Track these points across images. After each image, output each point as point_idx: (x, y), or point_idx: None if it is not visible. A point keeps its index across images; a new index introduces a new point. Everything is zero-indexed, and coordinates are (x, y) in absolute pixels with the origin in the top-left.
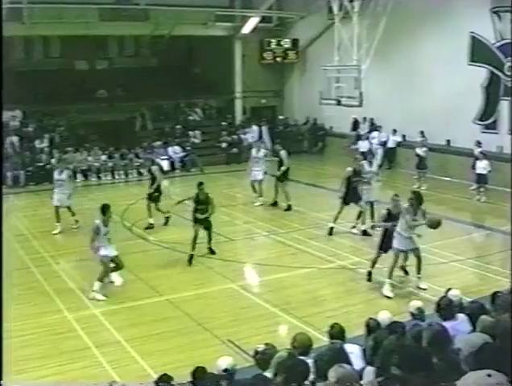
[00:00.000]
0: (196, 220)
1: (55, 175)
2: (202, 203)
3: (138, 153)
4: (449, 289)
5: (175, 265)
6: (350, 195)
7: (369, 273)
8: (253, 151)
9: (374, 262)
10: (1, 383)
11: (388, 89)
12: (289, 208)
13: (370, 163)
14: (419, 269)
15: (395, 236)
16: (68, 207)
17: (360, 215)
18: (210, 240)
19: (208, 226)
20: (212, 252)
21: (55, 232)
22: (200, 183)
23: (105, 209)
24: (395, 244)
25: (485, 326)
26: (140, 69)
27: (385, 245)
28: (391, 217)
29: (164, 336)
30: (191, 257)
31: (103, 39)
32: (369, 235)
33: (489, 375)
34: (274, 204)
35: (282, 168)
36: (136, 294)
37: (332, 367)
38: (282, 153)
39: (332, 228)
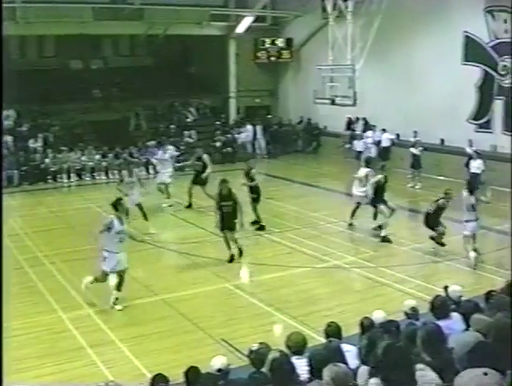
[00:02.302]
0: (222, 218)
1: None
2: (226, 200)
3: (132, 152)
4: (447, 287)
5: (170, 265)
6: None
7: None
8: (160, 153)
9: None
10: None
11: (382, 89)
12: (189, 206)
13: (367, 163)
14: None
15: None
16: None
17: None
18: (236, 241)
19: (232, 227)
20: (240, 252)
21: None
22: (224, 181)
23: (117, 204)
24: None
25: (479, 325)
26: (135, 68)
27: None
28: None
29: (159, 336)
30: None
31: (98, 39)
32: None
33: (486, 374)
34: (189, 207)
35: (208, 170)
36: (130, 294)
37: (325, 368)
38: (205, 157)
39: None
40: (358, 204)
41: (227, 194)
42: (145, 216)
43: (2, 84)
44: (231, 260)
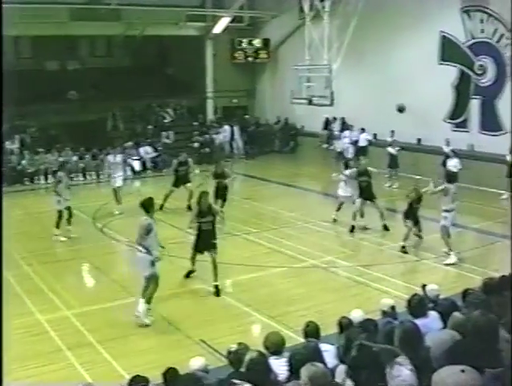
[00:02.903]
0: (199, 237)
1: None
2: (205, 216)
3: (110, 153)
4: (425, 286)
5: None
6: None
7: None
8: (110, 157)
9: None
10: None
11: (359, 88)
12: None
13: (347, 166)
14: None
15: None
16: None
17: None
18: (216, 274)
19: (211, 247)
20: (217, 292)
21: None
22: (204, 193)
23: (147, 205)
24: None
25: (455, 323)
26: (112, 69)
27: None
28: None
29: (137, 337)
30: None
31: (74, 39)
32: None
33: (463, 371)
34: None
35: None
36: (108, 295)
37: (303, 368)
38: (190, 161)
39: (353, 226)
40: (342, 203)
41: (207, 209)
42: (69, 219)
43: (2, 85)
44: (188, 274)
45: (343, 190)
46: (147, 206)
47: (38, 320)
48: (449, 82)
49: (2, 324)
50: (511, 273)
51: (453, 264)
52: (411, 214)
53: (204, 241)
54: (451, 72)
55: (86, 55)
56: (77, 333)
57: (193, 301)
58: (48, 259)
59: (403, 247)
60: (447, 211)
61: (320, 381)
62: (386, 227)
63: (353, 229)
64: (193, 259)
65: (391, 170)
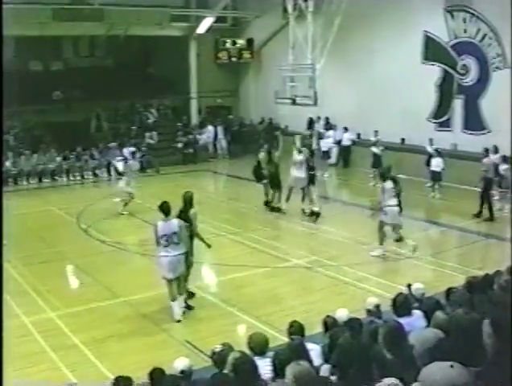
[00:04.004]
0: None
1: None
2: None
3: (94, 154)
4: (410, 285)
5: (132, 267)
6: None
7: None
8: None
9: None
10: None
11: (343, 88)
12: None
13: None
14: None
15: None
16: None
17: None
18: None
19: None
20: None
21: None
22: (186, 201)
23: (165, 208)
24: None
25: (439, 321)
26: (95, 70)
27: None
28: None
29: (121, 338)
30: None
31: (57, 40)
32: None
33: (452, 366)
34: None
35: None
36: (93, 296)
37: (288, 366)
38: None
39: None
40: (291, 188)
41: (186, 214)
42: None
43: (2, 85)
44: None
45: (297, 172)
46: (165, 209)
47: (22, 322)
48: (433, 81)
49: (2, 324)
50: (511, 271)
51: (378, 256)
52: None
53: None
54: (434, 72)
55: (70, 56)
56: (62, 334)
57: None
58: (33, 260)
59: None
60: (387, 206)
61: (305, 379)
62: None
63: (312, 214)
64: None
65: (375, 170)
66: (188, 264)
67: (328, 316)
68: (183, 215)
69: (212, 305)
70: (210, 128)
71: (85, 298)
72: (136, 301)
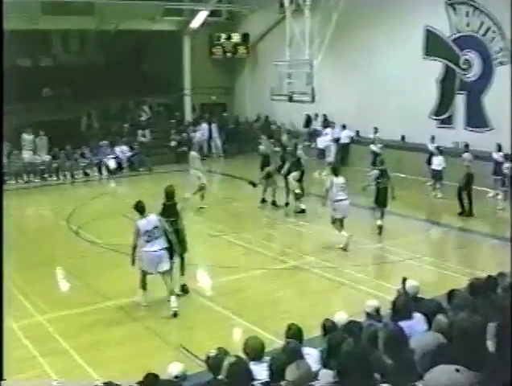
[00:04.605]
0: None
1: None
2: (168, 216)
3: (85, 153)
4: (405, 279)
5: (124, 269)
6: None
7: None
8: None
9: None
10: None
11: (341, 85)
12: None
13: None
14: None
15: None
16: None
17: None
18: (183, 272)
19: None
20: (183, 290)
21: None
22: (169, 195)
23: (140, 207)
24: None
25: (440, 325)
26: (86, 66)
27: None
28: None
29: (114, 343)
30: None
31: (47, 35)
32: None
33: (458, 370)
34: None
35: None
36: (83, 300)
37: (287, 368)
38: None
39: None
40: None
41: (171, 207)
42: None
43: (3, 84)
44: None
45: None
46: (140, 208)
47: (10, 327)
48: (434, 77)
49: (3, 324)
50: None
51: (342, 248)
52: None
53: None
54: (436, 67)
55: (59, 52)
56: (51, 339)
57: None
58: (21, 263)
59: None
60: (335, 201)
61: (305, 382)
62: (274, 203)
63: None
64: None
65: (374, 168)
66: (174, 259)
67: (327, 319)
68: (169, 208)
69: (207, 309)
70: (204, 126)
71: (76, 302)
72: (128, 304)
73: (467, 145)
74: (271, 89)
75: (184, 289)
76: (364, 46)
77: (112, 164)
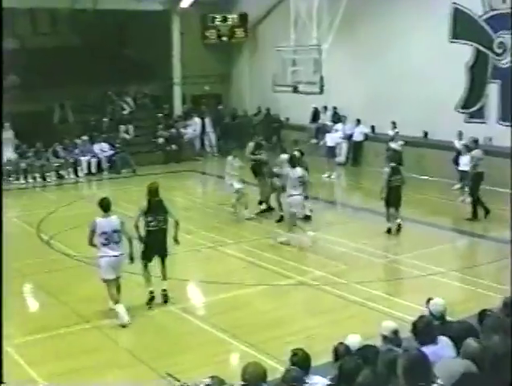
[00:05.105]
0: (148, 243)
1: None
2: (156, 213)
3: (58, 151)
4: (430, 300)
5: (102, 285)
6: None
7: None
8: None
9: None
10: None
11: (355, 73)
12: None
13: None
14: None
15: None
16: None
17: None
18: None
19: (163, 254)
20: (165, 299)
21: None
22: (152, 193)
23: (104, 204)
24: None
25: (470, 351)
26: (59, 49)
27: None
28: None
29: (92, 371)
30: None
31: (12, 13)
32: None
33: None
34: None
35: None
36: (57, 321)
37: None
38: None
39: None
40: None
41: (157, 204)
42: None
43: (2, 82)
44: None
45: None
46: (105, 205)
47: None
48: (462, 64)
49: (2, 325)
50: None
51: (284, 243)
52: None
53: (156, 247)
54: (465, 52)
55: (28, 33)
56: (17, 367)
57: (159, 326)
58: None
59: None
60: (290, 196)
61: None
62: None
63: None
64: (147, 276)
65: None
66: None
67: (339, 343)
68: (156, 204)
69: (199, 331)
70: (197, 120)
71: (47, 324)
72: (108, 326)
73: (476, 141)
74: (273, 78)
75: (164, 297)
76: (381, 27)
77: (90, 164)
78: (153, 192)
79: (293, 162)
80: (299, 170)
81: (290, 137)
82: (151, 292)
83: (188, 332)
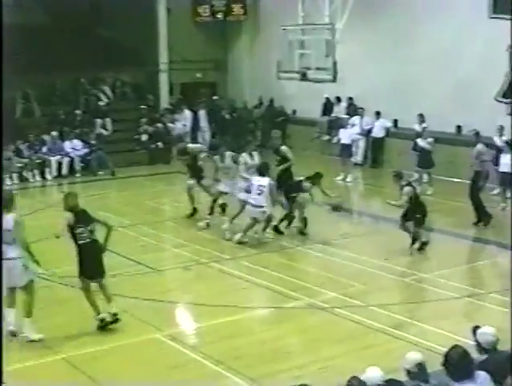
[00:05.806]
0: (82, 259)
1: None
2: (83, 223)
3: (21, 149)
4: (477, 328)
5: (75, 308)
6: None
7: None
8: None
9: None
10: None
11: (373, 57)
12: None
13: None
14: None
15: None
16: None
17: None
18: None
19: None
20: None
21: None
22: (71, 206)
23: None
24: None
25: None
26: (22, 28)
27: None
28: None
29: None
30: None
31: None
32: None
33: None
34: None
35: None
36: (22, 353)
37: None
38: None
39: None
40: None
41: (82, 215)
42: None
43: (2, 79)
44: (104, 325)
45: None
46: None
47: None
48: (504, 44)
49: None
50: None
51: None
52: None
53: (91, 264)
54: (507, 31)
55: None
56: None
57: (142, 357)
58: None
59: None
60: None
61: None
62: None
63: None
64: (90, 298)
65: (421, 171)
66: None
67: (353, 377)
68: (81, 215)
69: (189, 363)
70: (187, 113)
71: (9, 356)
72: (80, 357)
73: (477, 134)
74: (278, 64)
75: (114, 318)
76: (405, 3)
77: (61, 165)
78: (71, 204)
79: (262, 170)
80: (265, 180)
81: (297, 134)
82: (102, 320)
83: (176, 364)
